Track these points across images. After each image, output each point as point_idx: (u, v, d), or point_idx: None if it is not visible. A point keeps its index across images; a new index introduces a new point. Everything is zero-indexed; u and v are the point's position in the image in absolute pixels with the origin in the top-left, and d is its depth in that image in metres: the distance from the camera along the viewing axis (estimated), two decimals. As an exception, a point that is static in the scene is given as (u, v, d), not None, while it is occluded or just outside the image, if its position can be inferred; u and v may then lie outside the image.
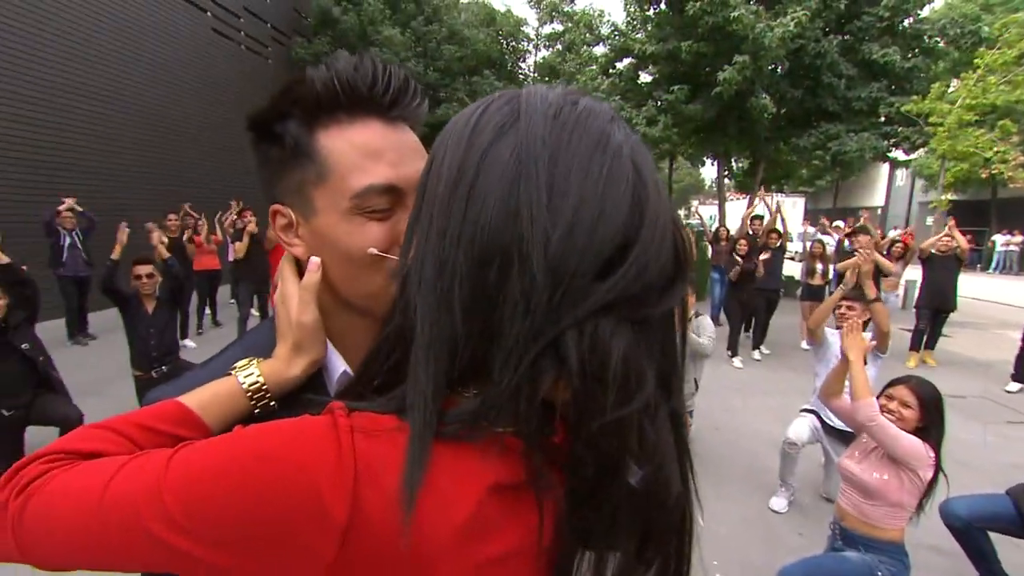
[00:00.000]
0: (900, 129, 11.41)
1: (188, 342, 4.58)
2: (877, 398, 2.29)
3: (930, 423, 2.19)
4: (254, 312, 6.86)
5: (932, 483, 2.14)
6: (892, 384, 2.32)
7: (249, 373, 0.55)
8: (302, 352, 0.57)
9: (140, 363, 3.78)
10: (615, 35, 13.34)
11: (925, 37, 11.12)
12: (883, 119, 11.51)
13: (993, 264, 19.47)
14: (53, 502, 0.41)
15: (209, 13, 11.15)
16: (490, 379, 0.37)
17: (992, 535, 2.52)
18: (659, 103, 12.40)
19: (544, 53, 16.18)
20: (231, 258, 8.04)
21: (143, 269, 3.84)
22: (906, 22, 11.14)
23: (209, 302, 7.57)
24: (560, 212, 0.35)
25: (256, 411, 0.55)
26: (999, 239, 19.25)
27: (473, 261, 0.37)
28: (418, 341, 0.39)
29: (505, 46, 15.70)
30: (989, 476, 2.61)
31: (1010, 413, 5.01)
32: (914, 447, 2.09)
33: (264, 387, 0.55)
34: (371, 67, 0.53)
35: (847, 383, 2.34)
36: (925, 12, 11.76)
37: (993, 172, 9.79)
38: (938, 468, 2.13)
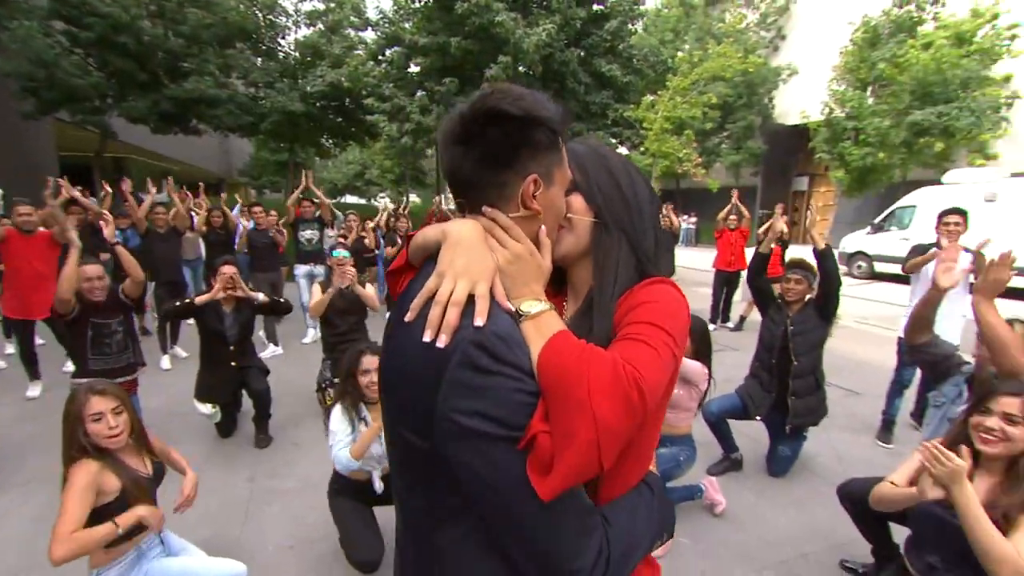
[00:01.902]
0: (624, 131, 14.20)
1: None
2: None
3: (701, 351, 3.08)
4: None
5: (706, 392, 3.08)
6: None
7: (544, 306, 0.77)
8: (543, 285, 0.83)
9: None
10: (384, 22, 13.33)
11: (634, 60, 14.00)
12: (611, 122, 14.10)
13: (681, 239, 25.60)
14: (645, 370, 0.70)
15: None
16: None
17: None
18: (433, 94, 12.92)
19: (305, 31, 15.13)
20: None
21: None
22: (622, 46, 13.83)
23: None
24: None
25: None
26: (683, 219, 25.37)
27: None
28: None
29: (261, 19, 14.17)
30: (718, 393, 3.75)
31: (717, 346, 6.98)
32: (695, 370, 2.95)
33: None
34: (565, 108, 0.85)
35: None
36: (634, 39, 14.74)
37: (684, 169, 12.97)
38: (710, 380, 3.07)
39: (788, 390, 3.48)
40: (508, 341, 0.70)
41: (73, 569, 1.87)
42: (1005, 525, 1.57)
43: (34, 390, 4.70)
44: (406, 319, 0.75)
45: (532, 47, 11.43)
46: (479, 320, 0.69)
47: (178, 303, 3.85)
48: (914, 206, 11.92)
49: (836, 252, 5.68)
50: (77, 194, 5.65)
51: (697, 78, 12.53)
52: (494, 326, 0.70)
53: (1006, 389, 1.78)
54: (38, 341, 4.98)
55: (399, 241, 7.38)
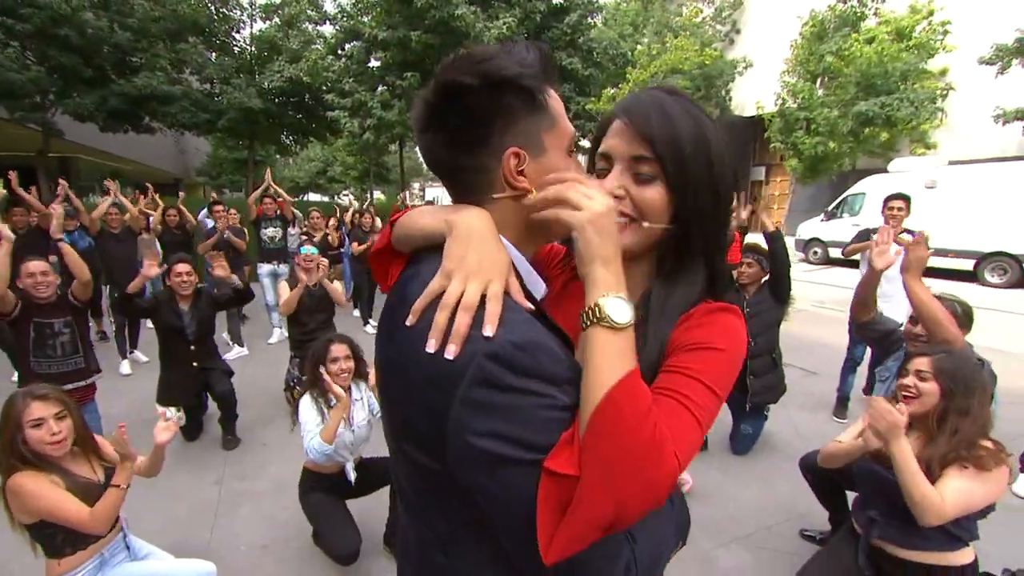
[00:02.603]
0: (586, 124, 14.36)
1: None
2: None
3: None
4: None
5: None
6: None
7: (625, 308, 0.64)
8: None
9: None
10: (342, 16, 13.09)
11: (594, 53, 14.16)
12: (573, 115, 14.23)
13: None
14: (685, 453, 0.62)
15: None
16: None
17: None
18: (394, 88, 12.78)
19: (261, 25, 14.70)
20: None
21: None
22: (581, 39, 13.97)
23: None
24: None
25: None
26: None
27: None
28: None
29: (214, 12, 13.69)
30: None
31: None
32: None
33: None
34: (546, 54, 0.71)
35: None
36: (593, 33, 14.89)
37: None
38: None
39: (747, 370, 3.63)
40: (529, 349, 0.59)
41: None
42: (930, 476, 1.73)
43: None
44: (407, 323, 0.64)
45: (492, 40, 11.43)
46: (488, 329, 0.59)
47: (120, 294, 3.77)
48: (863, 193, 12.44)
49: (793, 239, 5.95)
50: (22, 192, 5.41)
51: (656, 71, 12.76)
52: (510, 334, 0.59)
53: (918, 351, 1.99)
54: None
55: (366, 239, 7.32)
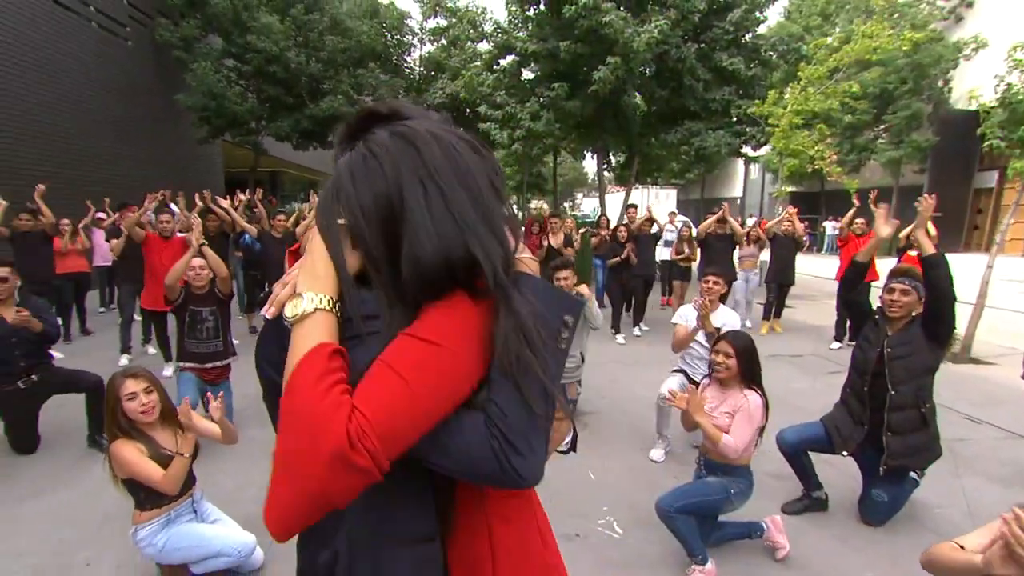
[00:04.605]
0: (748, 129, 13.03)
1: (54, 352, 4.15)
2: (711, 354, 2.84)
3: (748, 368, 2.71)
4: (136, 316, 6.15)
5: (764, 426, 2.69)
6: (715, 341, 2.85)
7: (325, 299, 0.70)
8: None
9: (2, 374, 3.53)
10: (498, 33, 13.69)
11: (762, 51, 12.79)
12: (735, 119, 13.02)
13: (824, 246, 22.83)
14: (392, 410, 0.62)
15: (46, -20, 9.77)
16: None
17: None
18: (541, 99, 12.97)
19: (429, 47, 16.11)
20: (99, 261, 7.36)
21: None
22: (747, 37, 12.71)
23: (77, 308, 6.78)
24: None
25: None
26: (828, 225, 22.62)
27: None
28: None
29: (390, 39, 15.39)
30: (817, 416, 3.25)
31: (832, 365, 6.10)
32: (755, 420, 2.61)
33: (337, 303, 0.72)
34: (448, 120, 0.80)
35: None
36: (762, 29, 13.47)
37: (816, 167, 11.52)
38: (766, 407, 2.66)
39: (883, 424, 2.89)
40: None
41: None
42: None
43: (168, 370, 5.49)
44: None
45: (643, 45, 10.96)
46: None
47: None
48: None
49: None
50: (212, 205, 6.63)
51: (835, 65, 11.05)
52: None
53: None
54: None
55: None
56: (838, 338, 6.96)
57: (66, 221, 6.56)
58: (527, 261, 0.79)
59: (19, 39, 9.10)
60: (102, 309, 8.25)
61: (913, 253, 5.76)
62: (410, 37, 15.82)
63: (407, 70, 16.38)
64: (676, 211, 10.58)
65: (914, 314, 2.92)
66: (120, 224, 6.48)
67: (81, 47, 10.54)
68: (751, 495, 2.70)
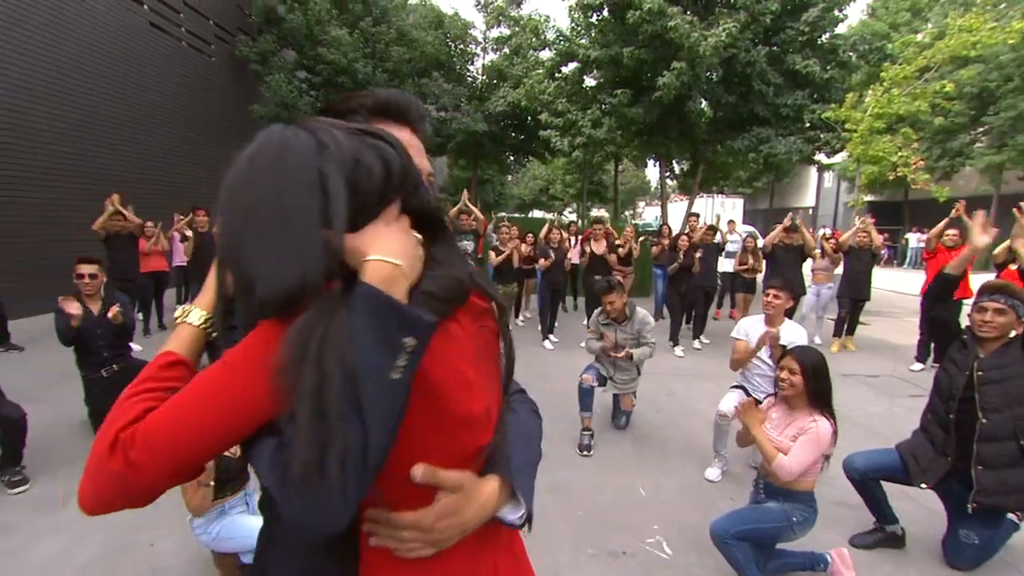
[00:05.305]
0: (822, 134, 12.32)
1: (133, 345, 4.51)
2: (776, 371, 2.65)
3: (816, 387, 2.50)
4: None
5: (830, 455, 2.49)
6: (781, 356, 2.65)
7: (199, 315, 0.78)
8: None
9: (89, 363, 3.80)
10: (560, 40, 13.69)
11: (840, 51, 12.07)
12: (807, 125, 12.36)
13: (907, 259, 21.20)
14: (160, 422, 0.62)
15: (146, 7, 10.70)
16: None
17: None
18: (603, 106, 12.83)
19: (492, 56, 16.37)
20: (177, 261, 7.88)
21: (86, 268, 3.82)
22: (824, 37, 12.05)
23: (156, 304, 7.35)
24: None
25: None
26: (912, 237, 20.99)
27: None
28: None
29: (453, 49, 15.77)
30: (894, 442, 2.98)
31: (913, 388, 5.60)
32: (821, 447, 2.40)
33: (211, 319, 0.78)
34: (409, 98, 0.84)
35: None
36: (841, 29, 12.73)
37: (899, 175, 10.71)
38: (835, 434, 2.46)
39: (972, 456, 2.60)
40: None
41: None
42: None
43: None
44: None
45: (709, 50, 10.62)
46: None
47: None
48: None
49: None
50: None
51: (925, 63, 10.25)
52: None
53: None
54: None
55: (551, 254, 7.53)
56: (921, 359, 6.40)
57: (150, 224, 7.09)
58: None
59: (119, 61, 9.98)
60: (178, 306, 8.87)
61: (1014, 267, 5.21)
62: (473, 46, 16.14)
63: (470, 79, 16.70)
64: (734, 220, 10.11)
65: (1012, 335, 2.62)
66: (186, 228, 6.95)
67: (172, 65, 11.43)
68: (814, 524, 2.50)
